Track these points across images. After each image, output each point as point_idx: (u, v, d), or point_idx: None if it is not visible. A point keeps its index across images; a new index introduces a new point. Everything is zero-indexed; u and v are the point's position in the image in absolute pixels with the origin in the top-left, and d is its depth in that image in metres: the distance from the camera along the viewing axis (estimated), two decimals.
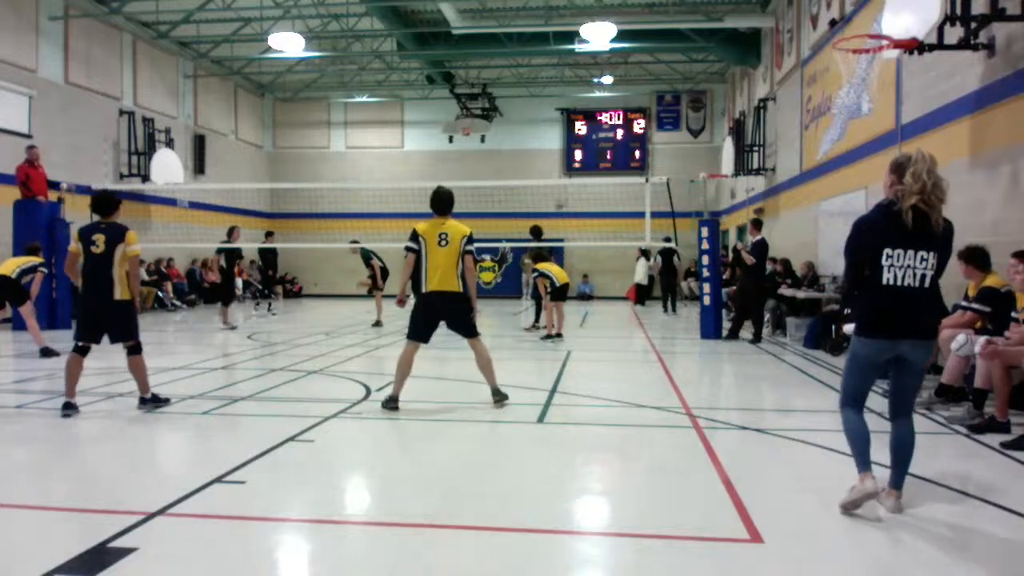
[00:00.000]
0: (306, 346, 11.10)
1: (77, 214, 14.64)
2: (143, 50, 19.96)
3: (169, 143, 20.14)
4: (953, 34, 7.82)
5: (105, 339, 6.28)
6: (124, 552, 3.23)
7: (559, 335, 11.82)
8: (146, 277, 18.11)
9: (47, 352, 9.58)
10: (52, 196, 14.04)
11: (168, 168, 18.95)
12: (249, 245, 14.19)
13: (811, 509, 3.95)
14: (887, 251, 3.71)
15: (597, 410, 6.61)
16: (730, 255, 16.48)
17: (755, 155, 18.29)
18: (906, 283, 3.71)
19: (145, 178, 18.85)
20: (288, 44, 17.72)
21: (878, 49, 8.51)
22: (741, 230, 19.02)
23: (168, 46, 20.79)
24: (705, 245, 12.37)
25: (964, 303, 6.70)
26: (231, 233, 14.50)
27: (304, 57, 21.56)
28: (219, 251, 14.21)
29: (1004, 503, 3.98)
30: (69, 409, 6.07)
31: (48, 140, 15.68)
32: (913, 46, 7.79)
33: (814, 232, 13.70)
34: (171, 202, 20.19)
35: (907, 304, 3.73)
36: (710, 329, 12.23)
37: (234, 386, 7.43)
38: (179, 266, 20.72)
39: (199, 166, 22.38)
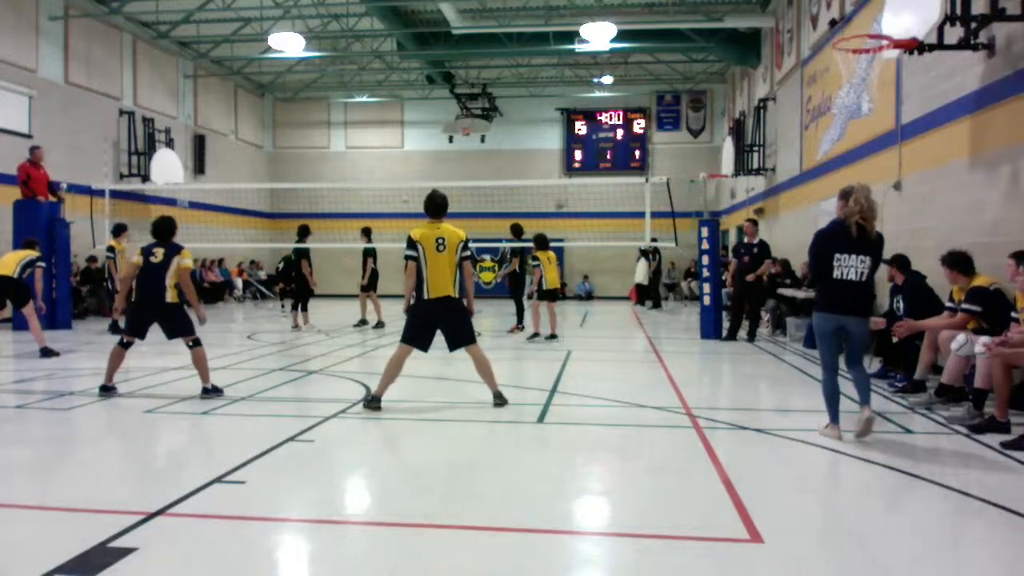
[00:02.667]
0: (306, 346, 11.10)
1: (77, 214, 14.68)
2: (143, 50, 19.96)
3: (169, 143, 20.14)
4: (953, 34, 7.81)
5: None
6: (124, 552, 3.24)
7: (553, 336, 11.74)
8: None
9: (47, 352, 9.58)
10: (52, 197, 14.03)
11: (168, 168, 18.94)
12: (296, 246, 13.56)
13: (811, 509, 3.95)
14: (837, 255, 5.24)
15: (597, 410, 6.61)
16: (730, 256, 16.46)
17: (755, 155, 18.27)
18: (849, 277, 5.21)
19: (145, 178, 18.86)
20: (288, 44, 17.71)
21: (878, 49, 8.49)
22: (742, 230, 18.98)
23: (168, 46, 20.79)
24: (705, 245, 12.37)
25: (952, 305, 6.74)
26: (306, 233, 13.60)
27: (304, 57, 21.55)
28: (303, 254, 13.47)
29: (1004, 503, 3.98)
30: (105, 392, 6.82)
31: (48, 140, 15.66)
32: (913, 46, 7.78)
33: (814, 232, 13.66)
34: (171, 202, 20.17)
35: (850, 292, 5.22)
36: (710, 329, 12.22)
37: (234, 386, 7.42)
38: None
39: (199, 166, 22.38)
